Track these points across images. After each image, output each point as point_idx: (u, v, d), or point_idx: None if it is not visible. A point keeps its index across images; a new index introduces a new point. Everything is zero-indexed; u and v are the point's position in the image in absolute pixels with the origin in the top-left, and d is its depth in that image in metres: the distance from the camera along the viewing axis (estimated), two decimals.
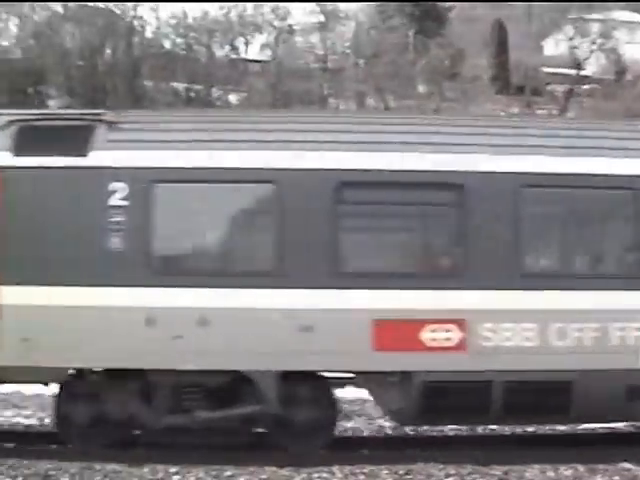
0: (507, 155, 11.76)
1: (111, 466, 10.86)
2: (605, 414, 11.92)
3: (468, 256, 11.51)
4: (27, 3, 47.33)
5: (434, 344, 11.31)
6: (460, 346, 11.35)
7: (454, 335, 11.33)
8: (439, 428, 13.70)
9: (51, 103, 44.83)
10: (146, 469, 10.78)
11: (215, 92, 47.10)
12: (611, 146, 11.98)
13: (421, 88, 46.66)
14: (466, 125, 12.73)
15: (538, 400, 11.33)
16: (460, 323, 11.35)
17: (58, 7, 47.74)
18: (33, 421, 14.43)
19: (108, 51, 47.33)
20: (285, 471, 10.80)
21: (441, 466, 10.91)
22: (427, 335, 11.31)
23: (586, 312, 11.47)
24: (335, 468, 10.88)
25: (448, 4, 53.88)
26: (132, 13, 47.18)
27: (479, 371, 11.34)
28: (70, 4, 47.47)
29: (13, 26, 49.13)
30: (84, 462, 10.95)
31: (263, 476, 10.66)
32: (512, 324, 11.40)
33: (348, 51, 48.60)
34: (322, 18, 48.66)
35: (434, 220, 12.01)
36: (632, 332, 11.51)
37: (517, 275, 11.46)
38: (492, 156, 11.69)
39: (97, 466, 10.85)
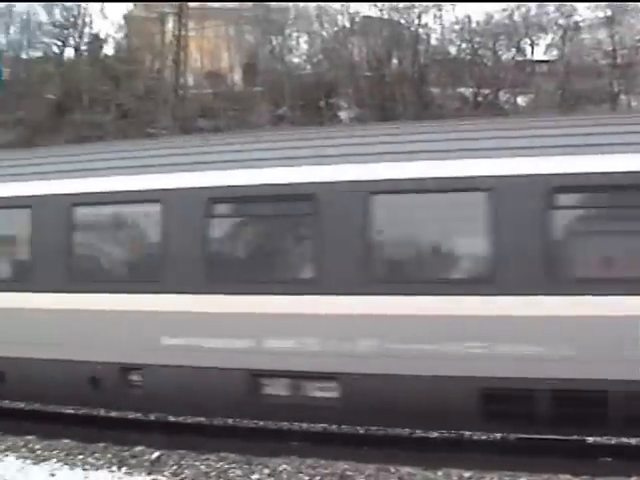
0: None
1: (406, 469, 11.11)
2: None
3: None
4: (316, 21, 49.16)
5: None
6: None
7: None
8: None
9: (342, 115, 46.23)
10: (440, 473, 10.95)
11: (503, 95, 46.73)
12: None
13: None
14: None
15: None
16: None
17: (345, 22, 49.27)
18: None
19: (394, 61, 48.10)
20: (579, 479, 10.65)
21: None
22: None
23: None
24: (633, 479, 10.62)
25: None
26: (416, 22, 47.76)
27: None
28: (356, 18, 48.81)
29: (303, 43, 51.24)
30: (380, 464, 11.26)
31: None
32: None
33: (639, 45, 46.69)
34: (609, 12, 47.06)
35: None
36: None
37: None
38: None
39: (392, 468, 11.14)
